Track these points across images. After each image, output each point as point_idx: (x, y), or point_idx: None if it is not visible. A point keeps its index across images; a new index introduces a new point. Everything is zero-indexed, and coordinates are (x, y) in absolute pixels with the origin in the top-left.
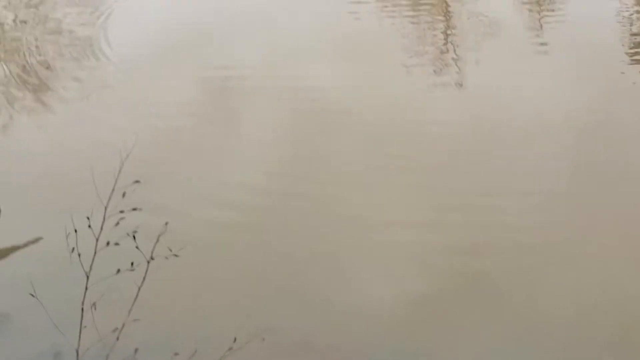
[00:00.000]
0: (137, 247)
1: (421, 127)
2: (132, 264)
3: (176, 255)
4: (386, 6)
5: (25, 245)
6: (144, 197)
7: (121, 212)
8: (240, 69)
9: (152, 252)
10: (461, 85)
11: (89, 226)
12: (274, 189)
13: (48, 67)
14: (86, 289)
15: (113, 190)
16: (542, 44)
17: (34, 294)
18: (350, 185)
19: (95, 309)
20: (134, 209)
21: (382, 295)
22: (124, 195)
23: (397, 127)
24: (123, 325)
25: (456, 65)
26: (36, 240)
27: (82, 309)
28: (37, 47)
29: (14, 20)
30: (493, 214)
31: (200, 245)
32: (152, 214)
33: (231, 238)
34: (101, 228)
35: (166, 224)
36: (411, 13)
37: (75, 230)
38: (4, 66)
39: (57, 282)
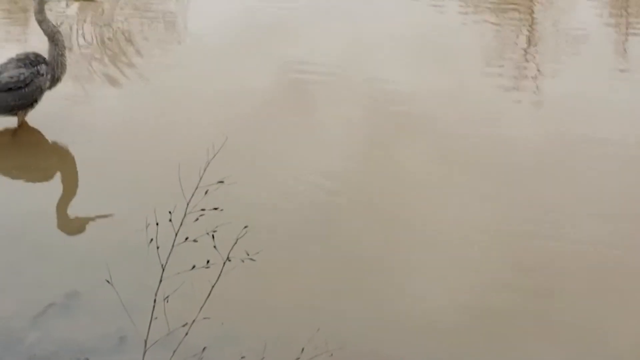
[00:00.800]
0: (214, 247)
1: (496, 140)
2: (207, 261)
3: (253, 260)
4: (469, 8)
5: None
6: (227, 195)
7: (202, 210)
8: (317, 63)
9: (228, 253)
10: (540, 98)
11: (170, 220)
12: (343, 191)
13: (127, 43)
14: (160, 281)
15: (197, 187)
16: (626, 59)
17: (109, 281)
18: (419, 194)
19: (167, 302)
20: (215, 209)
21: (448, 308)
22: (206, 192)
23: (471, 138)
24: (193, 321)
25: (536, 77)
26: (108, 215)
27: (155, 300)
28: (119, 18)
29: None
30: (563, 232)
31: (275, 249)
32: (233, 214)
33: (304, 243)
34: (181, 223)
35: (245, 227)
36: (494, 19)
37: (157, 224)
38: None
39: (132, 270)
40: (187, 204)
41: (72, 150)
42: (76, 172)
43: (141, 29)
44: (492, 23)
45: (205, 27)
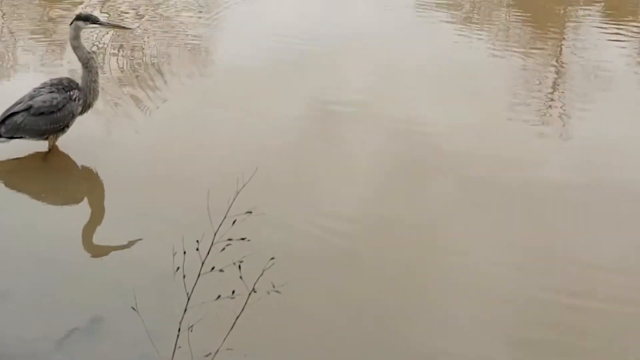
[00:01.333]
0: (240, 277)
1: (523, 182)
2: (233, 292)
3: (278, 292)
4: (497, 43)
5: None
6: (254, 226)
7: (229, 239)
8: (344, 95)
9: (254, 284)
10: (567, 138)
11: (197, 249)
12: (368, 228)
13: (158, 69)
14: (185, 309)
15: (225, 217)
16: None
17: (134, 308)
18: (443, 229)
19: (191, 331)
20: (243, 239)
21: (481, 339)
22: (233, 222)
23: (497, 179)
24: (217, 351)
25: (563, 116)
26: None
27: (179, 329)
28: (151, 44)
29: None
30: (593, 270)
31: (302, 281)
32: (260, 245)
33: (330, 276)
34: (208, 252)
35: (272, 259)
36: (522, 54)
37: (184, 252)
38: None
39: (157, 297)
40: (215, 234)
41: (101, 175)
42: (104, 197)
43: (171, 55)
44: (520, 58)
45: (235, 54)
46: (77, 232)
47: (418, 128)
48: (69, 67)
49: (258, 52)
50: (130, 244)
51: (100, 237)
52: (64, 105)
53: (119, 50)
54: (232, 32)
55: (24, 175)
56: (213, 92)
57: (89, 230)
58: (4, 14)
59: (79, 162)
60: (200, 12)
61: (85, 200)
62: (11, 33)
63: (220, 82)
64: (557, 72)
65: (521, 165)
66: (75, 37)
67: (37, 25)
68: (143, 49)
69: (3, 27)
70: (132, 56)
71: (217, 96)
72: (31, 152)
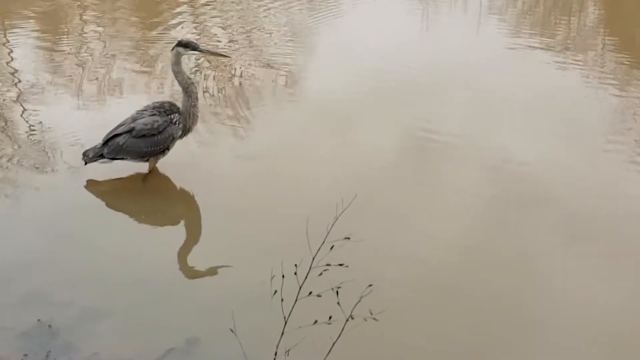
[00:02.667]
0: (338, 303)
1: (624, 212)
2: (329, 317)
3: (375, 319)
4: (592, 72)
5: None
6: (352, 253)
7: (327, 265)
8: (439, 127)
9: (352, 311)
10: None
11: (295, 273)
12: (466, 255)
13: (253, 97)
14: (282, 333)
15: (323, 242)
16: None
17: (233, 330)
18: (543, 264)
19: (288, 355)
20: (341, 265)
21: None
22: (331, 248)
23: (598, 216)
24: None
25: None
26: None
27: (276, 353)
28: (245, 72)
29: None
30: None
31: (399, 308)
32: (358, 271)
33: (428, 302)
34: (305, 277)
35: (370, 285)
36: (617, 84)
37: (283, 276)
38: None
39: (254, 320)
40: (313, 258)
41: (199, 199)
42: (201, 220)
43: (264, 84)
44: (615, 87)
45: (329, 84)
46: (174, 253)
47: (514, 160)
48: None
49: (350, 82)
50: (227, 267)
51: (197, 260)
52: (164, 128)
53: (214, 78)
54: (323, 62)
55: (124, 196)
56: (308, 121)
57: (185, 253)
58: (105, 43)
59: (178, 185)
60: (291, 40)
61: (183, 222)
62: (113, 56)
63: (315, 111)
64: None
65: (620, 198)
66: (176, 63)
67: (138, 49)
68: (237, 76)
69: (105, 51)
70: (227, 85)
71: (312, 125)
72: (132, 173)
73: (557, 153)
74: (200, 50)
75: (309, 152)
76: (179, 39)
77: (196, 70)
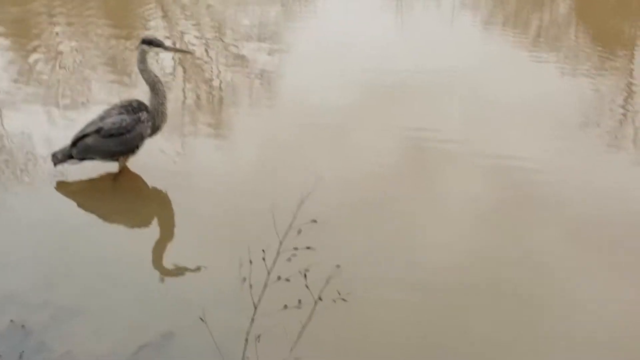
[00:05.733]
0: (306, 286)
1: (630, 212)
2: (299, 301)
3: (344, 300)
4: (585, 71)
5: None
6: (320, 237)
7: (295, 249)
8: (438, 131)
9: (320, 293)
10: None
11: (263, 259)
12: (466, 279)
13: (222, 98)
14: (252, 320)
15: (290, 226)
16: None
17: (202, 318)
18: (549, 281)
19: (259, 341)
20: (308, 248)
21: None
22: (299, 232)
23: (605, 218)
24: None
25: None
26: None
27: (247, 340)
28: (218, 74)
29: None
30: None
31: (367, 289)
32: (326, 254)
33: (397, 285)
34: (273, 262)
35: (338, 266)
36: (602, 79)
37: (250, 262)
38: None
39: (225, 309)
40: (280, 243)
41: (170, 195)
42: (173, 217)
43: (239, 84)
44: (600, 80)
45: (307, 85)
46: (146, 252)
47: (516, 163)
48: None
49: (332, 85)
50: (200, 261)
51: (169, 257)
52: (133, 127)
53: (184, 79)
54: (301, 63)
55: (95, 196)
56: (290, 123)
57: (158, 250)
58: (76, 49)
59: (149, 183)
60: (268, 41)
61: (154, 220)
62: (85, 62)
63: (296, 112)
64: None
65: (626, 198)
66: (142, 61)
67: (110, 54)
68: (210, 77)
69: (78, 58)
70: (198, 84)
71: (295, 127)
72: (102, 173)
73: (558, 154)
74: (165, 48)
75: (290, 153)
76: (143, 37)
77: (171, 75)
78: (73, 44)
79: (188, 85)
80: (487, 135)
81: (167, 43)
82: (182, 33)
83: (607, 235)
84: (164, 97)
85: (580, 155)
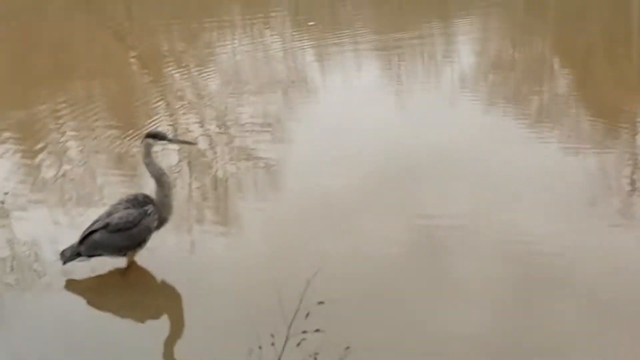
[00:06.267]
0: None
1: None
2: None
3: None
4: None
5: None
6: (328, 319)
7: (304, 332)
8: (448, 216)
9: None
10: None
11: (272, 344)
12: (477, 343)
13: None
14: None
15: (297, 311)
16: None
17: None
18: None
19: None
20: (317, 331)
21: None
22: (307, 315)
23: (617, 292)
24: None
25: None
26: None
27: None
28: (223, 166)
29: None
30: None
31: None
32: (335, 336)
33: None
34: (283, 348)
35: (347, 348)
36: (601, 154)
37: (260, 347)
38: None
39: None
40: (289, 328)
41: (179, 289)
42: (182, 310)
43: (244, 175)
44: (599, 154)
45: (313, 173)
46: (158, 345)
47: (527, 247)
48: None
49: (338, 172)
50: (209, 352)
51: (180, 349)
52: (140, 221)
53: (190, 172)
54: (306, 151)
55: (104, 292)
56: (309, 211)
57: (169, 343)
58: (81, 149)
59: (157, 277)
60: (271, 130)
61: (165, 314)
62: (91, 163)
63: (303, 202)
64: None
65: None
66: (147, 155)
67: (117, 154)
68: (215, 170)
69: (84, 159)
70: (203, 176)
71: (309, 216)
72: (110, 268)
73: (569, 234)
74: (169, 140)
75: (297, 241)
76: (148, 131)
77: (176, 168)
78: (78, 143)
79: (194, 178)
80: (495, 218)
81: (171, 136)
82: (187, 127)
83: (625, 312)
84: (170, 189)
85: (591, 234)
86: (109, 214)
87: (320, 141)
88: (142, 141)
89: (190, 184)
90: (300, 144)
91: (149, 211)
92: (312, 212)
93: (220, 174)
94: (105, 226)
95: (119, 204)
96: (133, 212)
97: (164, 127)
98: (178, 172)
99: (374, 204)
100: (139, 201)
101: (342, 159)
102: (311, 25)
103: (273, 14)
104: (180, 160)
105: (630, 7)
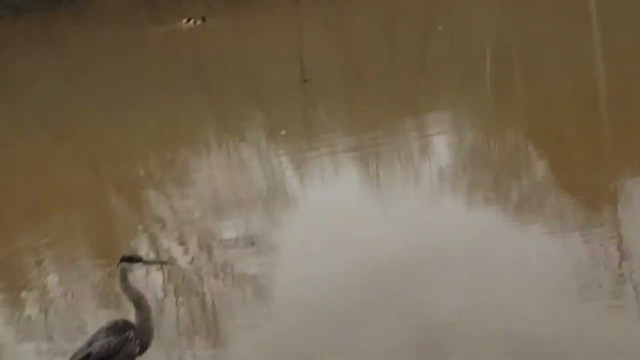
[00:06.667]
0: None
1: None
2: None
3: None
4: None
5: None
6: None
7: None
8: (445, 315)
9: None
10: None
11: None
12: None
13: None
14: None
15: None
16: None
17: None
18: None
19: None
20: None
21: None
22: None
23: None
24: None
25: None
26: None
27: None
28: (209, 286)
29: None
30: None
31: None
32: None
33: None
34: None
35: None
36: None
37: None
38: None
39: None
40: None
41: None
42: None
43: (231, 293)
44: (588, 240)
45: (303, 285)
46: None
47: (527, 339)
48: None
49: (337, 279)
50: None
51: None
52: (121, 347)
53: (175, 294)
54: (293, 265)
55: None
56: (301, 325)
57: None
58: (63, 283)
59: None
60: (255, 245)
61: None
62: (74, 298)
63: (306, 314)
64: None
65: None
66: (123, 279)
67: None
68: (196, 290)
69: (67, 293)
70: (191, 298)
71: (302, 330)
72: None
73: (567, 320)
74: (144, 262)
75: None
76: (122, 254)
77: (162, 292)
78: (59, 277)
79: (180, 301)
80: (492, 312)
81: (145, 257)
82: (168, 249)
83: None
84: (149, 311)
85: (588, 318)
86: (89, 343)
87: (305, 252)
88: (117, 266)
89: (177, 307)
90: (286, 258)
91: (130, 337)
92: (305, 326)
93: (207, 294)
94: (87, 356)
95: (99, 332)
96: (114, 339)
97: (144, 251)
98: (164, 295)
99: (368, 312)
100: (120, 327)
101: (329, 268)
102: (283, 134)
103: (247, 130)
104: (165, 283)
105: (597, 89)
